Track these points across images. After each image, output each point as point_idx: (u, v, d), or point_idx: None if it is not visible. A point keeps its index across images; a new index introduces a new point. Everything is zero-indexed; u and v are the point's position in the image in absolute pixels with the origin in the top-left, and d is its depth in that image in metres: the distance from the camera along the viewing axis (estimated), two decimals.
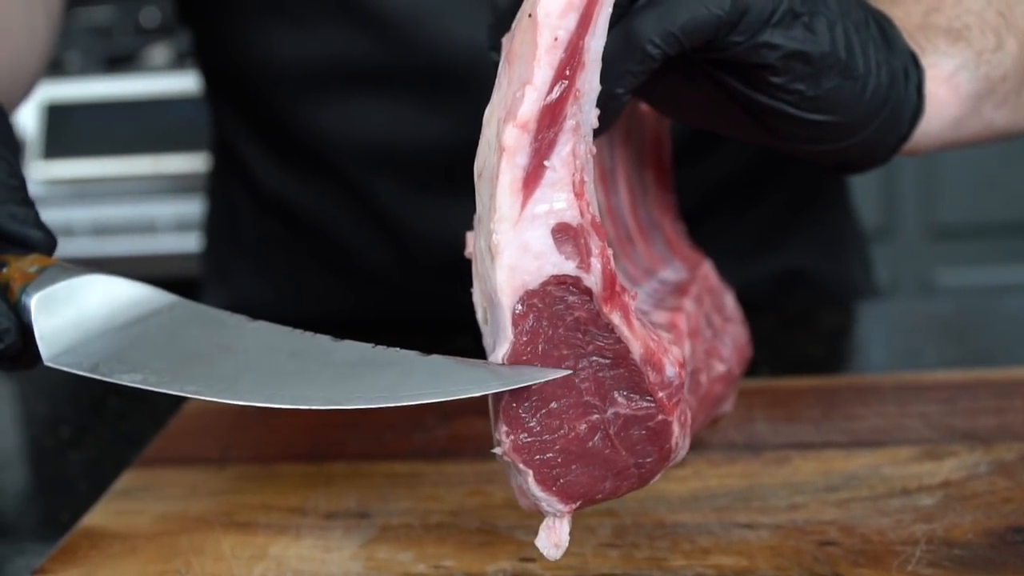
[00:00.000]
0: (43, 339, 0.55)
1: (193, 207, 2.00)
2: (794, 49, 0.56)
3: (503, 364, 0.50)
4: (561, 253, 0.49)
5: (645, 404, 0.52)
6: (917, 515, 0.64)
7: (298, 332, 0.53)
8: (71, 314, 0.56)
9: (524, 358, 0.50)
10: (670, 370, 0.53)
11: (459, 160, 0.96)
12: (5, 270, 0.56)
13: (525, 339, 0.50)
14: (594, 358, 0.51)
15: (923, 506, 0.65)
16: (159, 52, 2.24)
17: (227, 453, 0.76)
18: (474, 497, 0.69)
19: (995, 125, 0.67)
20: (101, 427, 0.88)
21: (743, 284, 0.83)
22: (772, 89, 0.57)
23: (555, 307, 0.50)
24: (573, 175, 0.49)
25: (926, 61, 0.62)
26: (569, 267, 0.49)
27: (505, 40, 0.53)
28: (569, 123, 0.49)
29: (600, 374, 0.51)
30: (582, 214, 0.49)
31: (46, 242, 0.58)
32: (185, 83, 2.04)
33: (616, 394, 0.52)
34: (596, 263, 0.50)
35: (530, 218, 0.49)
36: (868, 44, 0.58)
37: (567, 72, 0.48)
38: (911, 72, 0.61)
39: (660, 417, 0.53)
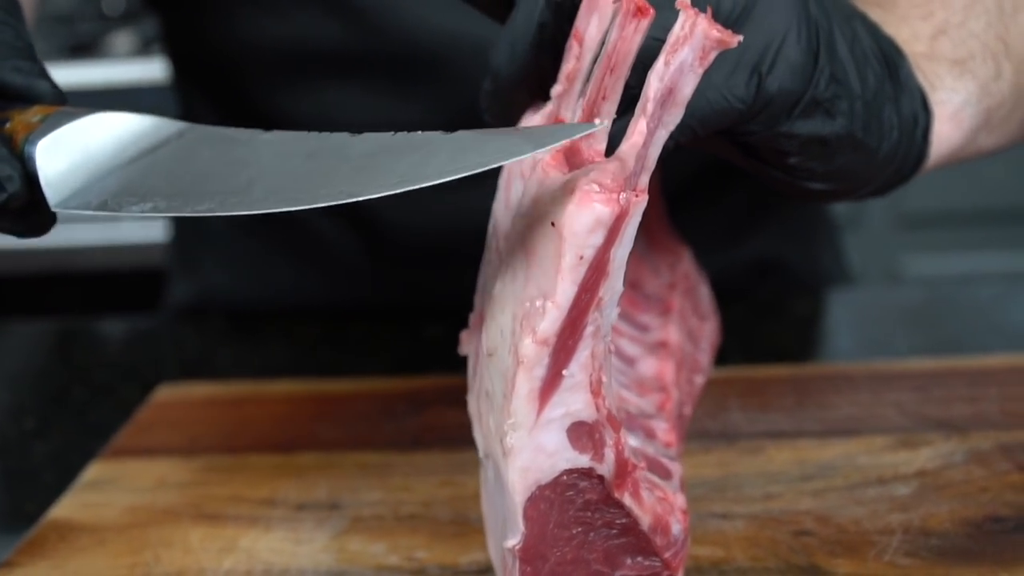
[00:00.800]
0: (49, 186, 0.52)
1: None
2: (812, 135, 0.54)
3: (533, 127, 0.48)
4: (575, 448, 0.49)
5: (651, 563, 0.52)
6: (893, 505, 0.63)
7: (314, 134, 0.49)
8: (77, 157, 0.53)
9: (534, 546, 0.50)
10: (676, 527, 0.52)
11: None
12: (8, 124, 0.54)
13: (537, 528, 0.50)
14: (603, 530, 0.51)
15: (899, 496, 0.64)
16: (122, 39, 2.22)
17: (195, 444, 0.75)
18: (446, 488, 0.68)
19: (983, 149, 0.66)
20: (66, 418, 0.87)
21: (715, 272, 0.83)
22: (784, 167, 0.55)
23: (567, 494, 0.49)
24: (591, 375, 0.48)
25: (934, 98, 0.60)
26: (583, 460, 0.49)
27: (504, 196, 0.51)
28: (589, 329, 0.47)
29: (609, 543, 0.51)
30: (598, 410, 0.49)
31: (53, 93, 0.56)
32: (149, 71, 2.02)
33: (624, 558, 0.52)
34: (610, 453, 0.49)
35: (546, 422, 0.48)
36: (884, 107, 0.56)
37: (590, 284, 0.46)
38: (920, 117, 0.59)
39: (666, 573, 0.53)
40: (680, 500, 0.53)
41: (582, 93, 0.48)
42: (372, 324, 0.99)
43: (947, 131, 0.61)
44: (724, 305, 0.80)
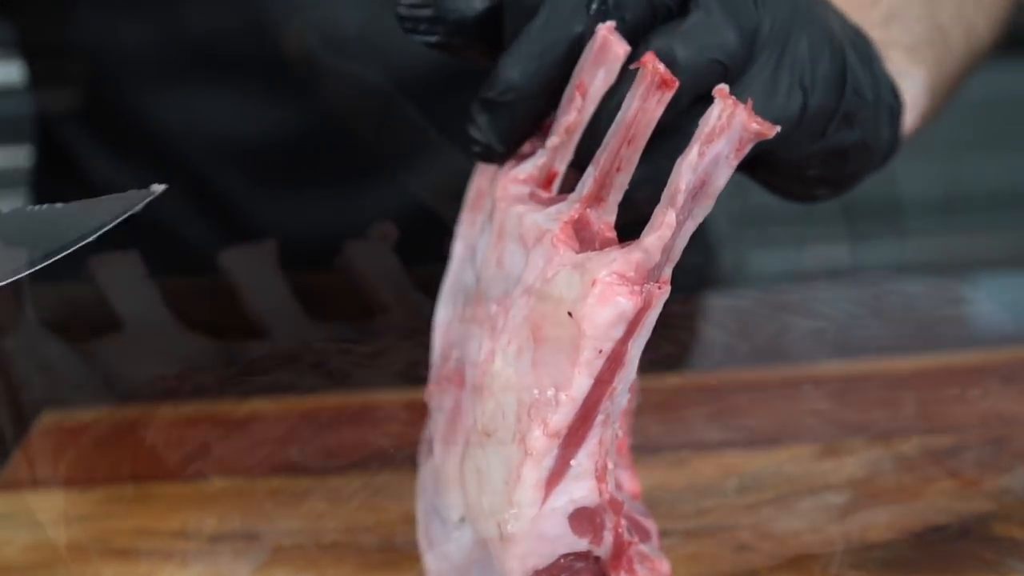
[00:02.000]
0: None
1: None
2: (836, 148, 0.53)
3: None
4: (575, 533, 0.47)
5: None
6: (829, 515, 0.63)
7: None
8: None
9: None
10: None
11: (310, 151, 0.93)
12: None
13: None
14: None
15: (833, 505, 0.64)
16: None
17: (92, 474, 0.71)
18: (368, 513, 0.65)
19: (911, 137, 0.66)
20: None
21: None
22: (803, 178, 0.55)
23: (562, 574, 0.47)
24: (597, 462, 0.46)
25: (900, 86, 0.60)
26: (582, 544, 0.47)
27: (495, 256, 0.48)
28: (600, 418, 0.45)
29: None
30: (601, 495, 0.47)
31: None
32: None
33: None
34: (608, 536, 0.47)
35: (549, 511, 0.46)
36: (882, 108, 0.56)
37: (606, 376, 0.44)
38: (895, 109, 0.58)
39: None
40: (665, 566, 0.51)
41: (597, 162, 0.46)
42: (249, 335, 0.95)
43: (908, 121, 0.61)
44: None
